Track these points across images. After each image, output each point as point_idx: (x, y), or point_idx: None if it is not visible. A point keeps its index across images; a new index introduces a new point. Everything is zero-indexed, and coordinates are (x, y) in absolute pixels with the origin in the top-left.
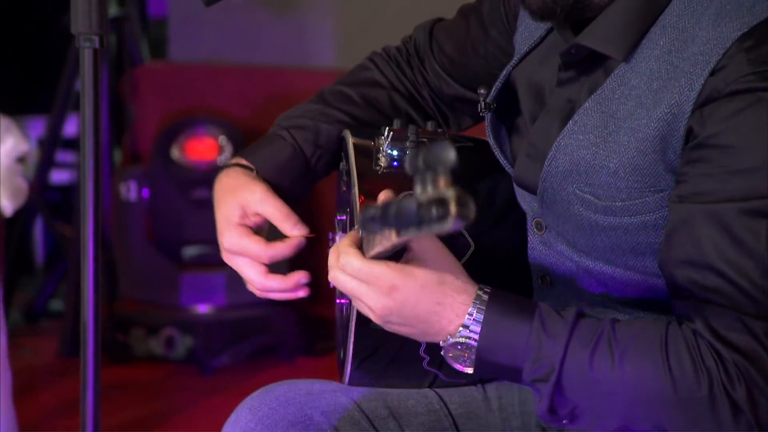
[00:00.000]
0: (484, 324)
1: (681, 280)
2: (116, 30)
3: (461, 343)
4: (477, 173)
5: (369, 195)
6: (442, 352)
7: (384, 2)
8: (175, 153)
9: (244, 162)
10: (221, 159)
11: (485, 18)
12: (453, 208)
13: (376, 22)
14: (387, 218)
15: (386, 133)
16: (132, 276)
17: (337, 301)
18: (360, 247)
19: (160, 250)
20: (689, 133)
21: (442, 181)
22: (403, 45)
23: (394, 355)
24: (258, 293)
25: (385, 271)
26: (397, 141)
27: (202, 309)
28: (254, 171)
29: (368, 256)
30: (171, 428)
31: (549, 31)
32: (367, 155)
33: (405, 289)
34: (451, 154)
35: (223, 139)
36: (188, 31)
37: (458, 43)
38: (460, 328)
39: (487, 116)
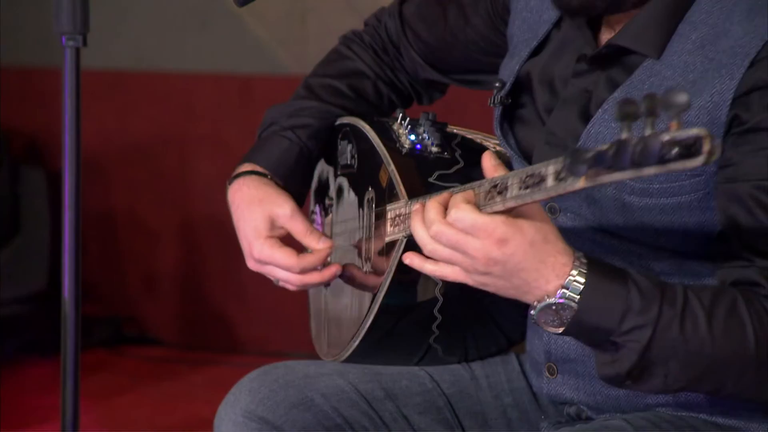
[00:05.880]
0: (587, 287)
1: (739, 249)
2: None
3: (557, 304)
4: (478, 158)
5: (405, 171)
6: (531, 311)
7: None
8: None
9: (258, 168)
10: None
11: (466, 6)
12: (707, 146)
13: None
14: (621, 156)
15: (400, 120)
16: None
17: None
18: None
19: None
20: (734, 120)
21: (675, 124)
22: (374, 31)
23: (398, 333)
24: (293, 289)
25: (498, 223)
26: (412, 128)
27: None
28: (268, 176)
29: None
30: None
31: (554, 26)
32: (389, 140)
33: (514, 243)
34: (685, 97)
35: None
36: None
37: (435, 30)
38: (560, 290)
39: (498, 109)
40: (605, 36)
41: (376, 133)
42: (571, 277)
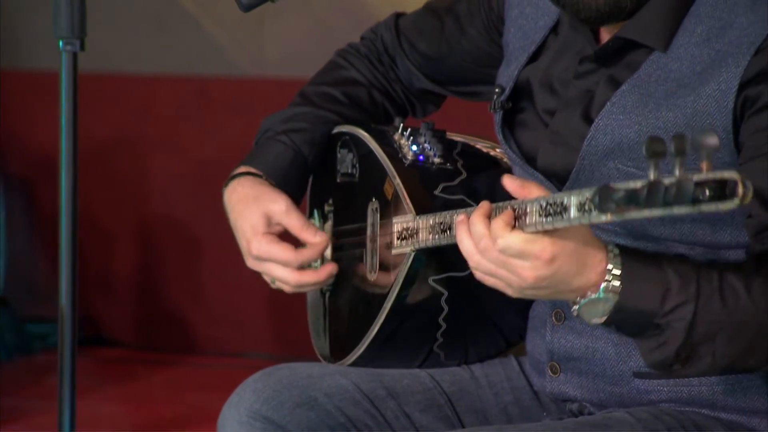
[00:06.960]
0: (624, 276)
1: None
2: None
3: (598, 298)
4: (480, 167)
5: (411, 184)
6: (573, 307)
7: None
8: None
9: (253, 170)
10: None
11: (462, 17)
12: (740, 189)
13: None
14: (654, 196)
15: (401, 130)
16: None
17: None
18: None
19: None
20: (745, 104)
21: (706, 164)
22: (370, 42)
23: (403, 340)
24: (289, 290)
25: (546, 245)
26: (414, 138)
27: None
28: (263, 177)
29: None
30: None
31: (550, 31)
32: (391, 149)
33: (561, 258)
34: (715, 140)
35: None
36: None
37: (431, 40)
38: (602, 284)
39: (498, 114)
40: (605, 36)
41: (377, 142)
42: (608, 271)
